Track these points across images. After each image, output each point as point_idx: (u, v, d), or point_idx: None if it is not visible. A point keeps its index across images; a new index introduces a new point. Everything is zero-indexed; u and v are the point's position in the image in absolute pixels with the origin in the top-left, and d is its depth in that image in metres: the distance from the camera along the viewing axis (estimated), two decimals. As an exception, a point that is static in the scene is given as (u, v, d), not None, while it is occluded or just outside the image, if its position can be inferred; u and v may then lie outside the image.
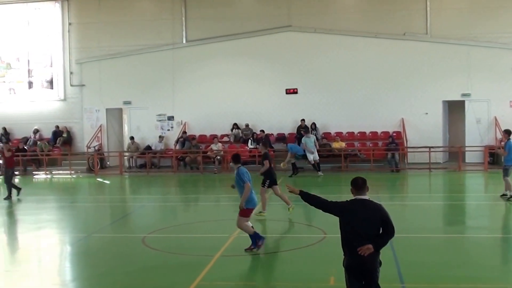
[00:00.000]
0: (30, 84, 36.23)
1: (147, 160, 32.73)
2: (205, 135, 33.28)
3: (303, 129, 30.55)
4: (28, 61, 36.20)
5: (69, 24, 35.36)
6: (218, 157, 31.36)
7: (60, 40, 35.50)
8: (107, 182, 29.94)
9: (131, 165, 33.83)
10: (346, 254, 8.13)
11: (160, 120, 34.04)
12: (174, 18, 34.07)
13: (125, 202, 24.87)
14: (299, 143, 31.41)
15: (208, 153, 31.59)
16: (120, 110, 35.31)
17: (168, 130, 33.78)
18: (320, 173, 28.17)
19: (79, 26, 35.29)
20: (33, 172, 33.22)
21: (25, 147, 34.13)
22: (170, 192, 26.76)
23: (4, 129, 35.82)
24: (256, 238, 13.38)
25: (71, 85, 35.30)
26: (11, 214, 20.97)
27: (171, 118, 33.98)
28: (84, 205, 24.11)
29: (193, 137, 32.79)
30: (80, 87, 35.13)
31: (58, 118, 35.47)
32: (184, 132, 33.18)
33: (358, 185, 8.23)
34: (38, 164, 33.69)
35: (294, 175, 28.28)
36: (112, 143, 35.21)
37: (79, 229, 18.13)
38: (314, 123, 31.97)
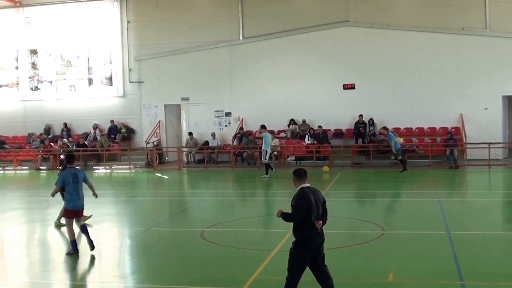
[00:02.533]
0: (90, 81, 37.04)
1: (205, 156, 33.19)
2: (262, 131, 33.47)
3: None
4: (88, 58, 37.01)
5: (128, 22, 36.04)
6: (275, 153, 31.58)
7: (119, 38, 36.21)
8: (166, 177, 30.40)
9: (190, 160, 34.31)
10: (311, 235, 9.34)
11: (217, 116, 34.47)
12: (231, 15, 34.37)
13: (184, 197, 25.28)
14: (357, 139, 31.46)
15: (265, 149, 31.81)
16: (178, 106, 36.01)
17: (226, 126, 34.17)
18: (266, 176, 27.10)
19: (137, 23, 35.93)
20: (93, 167, 33.93)
21: (85, 143, 34.94)
22: (228, 187, 27.07)
23: (65, 124, 36.75)
24: (73, 246, 13.91)
25: (130, 82, 36.00)
26: None
27: (228, 114, 34.36)
28: (143, 199, 24.57)
29: (250, 133, 33.10)
30: (138, 83, 35.78)
31: (117, 114, 36.24)
32: (241, 128, 33.52)
33: (301, 175, 9.51)
34: (98, 159, 34.47)
35: (404, 171, 27.74)
36: (170, 139, 35.79)
37: (138, 223, 18.53)
38: (371, 119, 31.92)
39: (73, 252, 13.82)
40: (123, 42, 36.17)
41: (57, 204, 22.36)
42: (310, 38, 33.29)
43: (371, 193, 23.74)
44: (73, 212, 14.08)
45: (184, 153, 34.42)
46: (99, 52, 36.81)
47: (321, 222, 9.36)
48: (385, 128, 29.30)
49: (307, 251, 9.35)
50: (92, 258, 13.96)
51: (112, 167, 33.66)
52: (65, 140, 35.25)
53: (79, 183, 14.03)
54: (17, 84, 38.48)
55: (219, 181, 28.89)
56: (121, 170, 33.32)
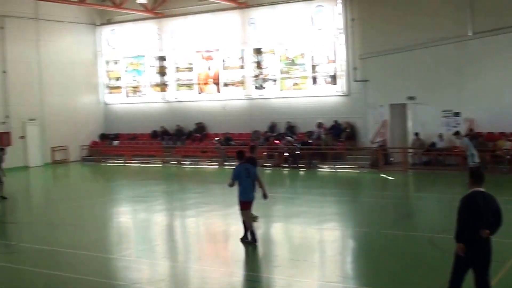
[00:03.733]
0: (314, 80, 38.30)
1: (432, 158, 33.22)
2: (493, 133, 32.71)
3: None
4: (312, 57, 38.23)
5: (352, 20, 36.71)
6: (508, 156, 30.79)
7: (343, 36, 37.03)
8: (391, 178, 30.86)
9: (416, 162, 34.21)
10: (472, 240, 9.35)
11: (445, 117, 33.89)
12: (458, 10, 33.75)
13: (409, 199, 25.64)
14: None
15: (497, 152, 31.25)
16: (404, 105, 35.68)
17: (454, 127, 33.17)
18: None
19: (362, 21, 36.43)
20: (317, 166, 35.10)
21: (309, 141, 36.23)
22: (457, 192, 26.86)
23: (289, 122, 38.32)
24: (252, 235, 15.87)
25: (355, 81, 36.69)
26: (296, 205, 22.71)
27: (457, 114, 33.69)
28: (367, 200, 25.29)
29: (480, 135, 32.45)
30: (363, 82, 36.29)
31: (341, 113, 37.07)
32: (471, 129, 32.74)
33: (478, 177, 9.50)
34: (322, 158, 35.60)
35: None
36: (395, 139, 35.84)
37: (362, 224, 19.13)
38: None
39: (252, 241, 15.74)
40: (347, 40, 36.92)
41: (285, 200, 23.81)
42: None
43: None
44: (248, 203, 15.95)
45: (409, 154, 34.47)
46: (323, 50, 37.90)
47: (488, 232, 9.29)
48: (457, 132, 28.72)
49: (466, 255, 9.45)
50: (316, 256, 15.08)
51: (336, 166, 34.68)
52: (289, 138, 36.82)
53: (250, 177, 15.86)
54: (243, 83, 40.76)
55: (447, 184, 28.65)
56: (345, 169, 34.11)
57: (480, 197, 9.32)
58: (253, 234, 15.88)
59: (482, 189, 9.43)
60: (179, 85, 43.74)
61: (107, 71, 47.24)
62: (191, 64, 43.00)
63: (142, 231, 19.66)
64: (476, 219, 9.26)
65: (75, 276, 13.69)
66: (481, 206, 9.24)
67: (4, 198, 26.50)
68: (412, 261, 14.08)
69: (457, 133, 29.83)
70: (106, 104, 47.29)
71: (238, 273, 13.61)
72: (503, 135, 31.91)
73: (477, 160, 26.40)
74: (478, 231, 9.27)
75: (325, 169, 34.56)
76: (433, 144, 33.65)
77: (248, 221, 16.00)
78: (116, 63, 46.79)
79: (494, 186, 27.07)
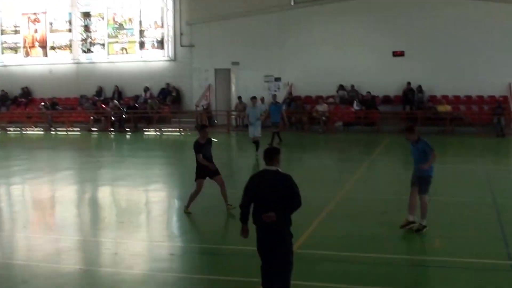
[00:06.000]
0: (142, 45, 39.65)
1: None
2: (311, 96, 35.55)
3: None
4: (140, 22, 39.55)
5: (180, -14, 38.16)
6: (324, 118, 33.71)
7: (171, 2, 38.55)
8: (215, 140, 32.61)
9: (238, 124, 36.41)
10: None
11: (267, 81, 36.47)
12: (283, -21, 35.99)
13: (232, 160, 27.51)
14: (405, 106, 33.59)
15: (313, 114, 34.05)
16: (228, 70, 37.89)
17: (275, 91, 35.26)
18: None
19: (190, -12, 37.90)
20: (144, 129, 36.45)
21: (136, 105, 37.59)
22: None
23: (117, 87, 39.37)
24: None
25: (181, 46, 38.33)
26: (122, 168, 23.61)
27: (278, 79, 36.41)
28: (191, 161, 26.78)
29: (299, 98, 35.29)
30: (189, 47, 38.07)
31: (168, 78, 38.62)
32: (290, 93, 35.63)
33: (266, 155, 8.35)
34: (149, 122, 37.12)
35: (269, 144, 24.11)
36: (220, 103, 38.00)
37: (187, 185, 19.90)
38: (420, 86, 33.77)
39: None
40: (175, 6, 38.47)
41: (109, 165, 24.79)
42: (360, 4, 35.00)
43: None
44: None
45: (233, 117, 36.65)
46: (151, 15, 39.24)
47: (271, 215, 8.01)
48: (254, 97, 27.57)
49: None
50: (142, 217, 15.65)
51: (162, 129, 36.19)
52: (116, 102, 37.95)
53: None
54: (70, 46, 41.44)
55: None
56: (171, 132, 35.67)
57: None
58: None
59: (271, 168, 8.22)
60: (4, 48, 43.47)
61: None
62: (17, 26, 42.84)
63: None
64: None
65: None
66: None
67: None
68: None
69: (253, 98, 27.50)
70: None
71: (64, 239, 13.50)
72: (320, 98, 34.81)
73: (258, 134, 26.13)
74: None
75: (150, 132, 35.96)
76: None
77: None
78: None
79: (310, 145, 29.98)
